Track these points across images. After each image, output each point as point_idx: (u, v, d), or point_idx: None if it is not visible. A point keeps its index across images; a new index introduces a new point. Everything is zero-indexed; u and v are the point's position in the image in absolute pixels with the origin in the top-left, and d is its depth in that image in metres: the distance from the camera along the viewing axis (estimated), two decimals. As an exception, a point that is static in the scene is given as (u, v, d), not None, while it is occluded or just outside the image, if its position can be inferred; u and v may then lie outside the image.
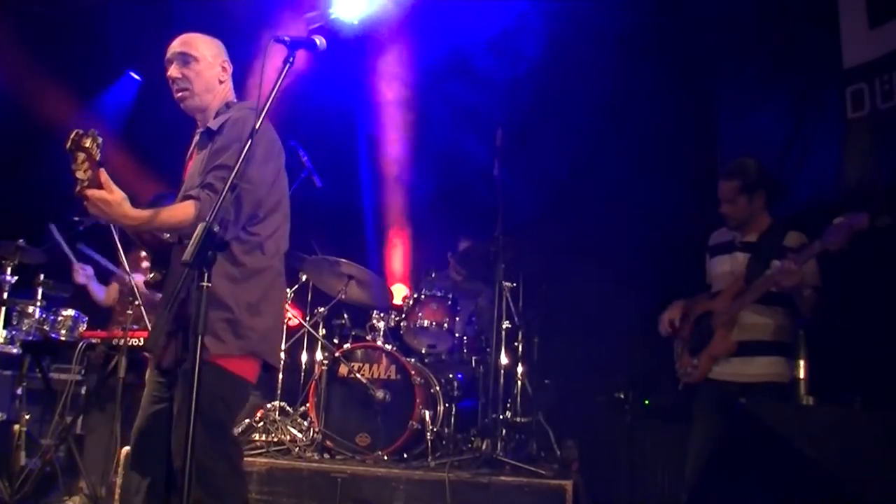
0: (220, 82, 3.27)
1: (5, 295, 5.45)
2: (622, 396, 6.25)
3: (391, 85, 7.48)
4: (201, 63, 3.21)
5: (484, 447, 5.13)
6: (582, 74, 6.77)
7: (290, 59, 2.83)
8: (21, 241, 5.63)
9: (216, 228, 2.58)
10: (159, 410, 3.09)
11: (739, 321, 4.20)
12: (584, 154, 6.88)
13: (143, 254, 5.42)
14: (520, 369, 5.91)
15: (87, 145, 2.78)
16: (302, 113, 7.03)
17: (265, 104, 2.77)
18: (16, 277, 5.52)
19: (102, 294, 6.48)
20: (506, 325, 5.62)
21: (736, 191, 4.27)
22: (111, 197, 2.82)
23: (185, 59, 3.20)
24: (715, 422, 4.13)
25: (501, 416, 5.45)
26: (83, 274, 6.25)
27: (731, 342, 4.19)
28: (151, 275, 3.28)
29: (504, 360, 5.51)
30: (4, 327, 5.42)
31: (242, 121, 3.09)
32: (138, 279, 5.15)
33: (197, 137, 3.32)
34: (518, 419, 5.75)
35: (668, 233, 6.21)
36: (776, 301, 4.11)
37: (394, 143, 7.55)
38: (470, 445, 5.48)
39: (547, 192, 7.00)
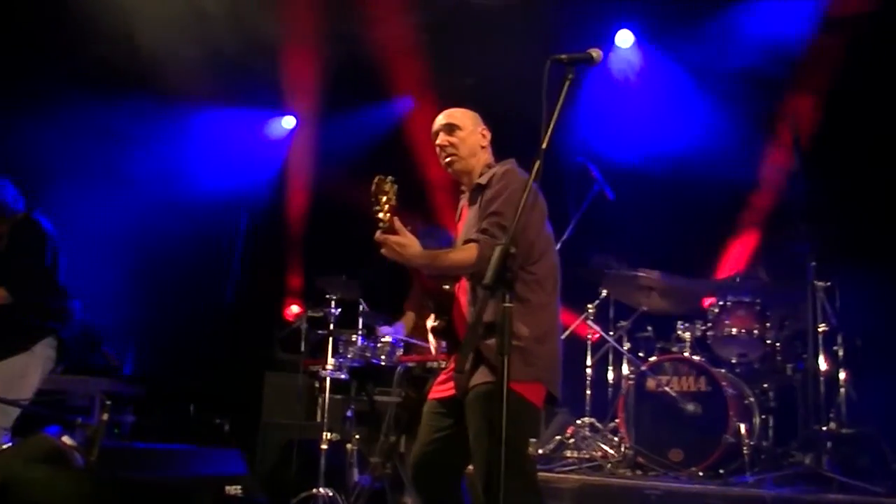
0: (482, 147, 3.55)
1: (331, 326, 5.90)
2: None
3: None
4: (465, 130, 3.51)
5: (807, 461, 4.82)
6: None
7: (570, 77, 2.86)
8: (343, 276, 6.09)
9: (513, 250, 2.66)
10: (437, 439, 3.34)
11: None
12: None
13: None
14: (842, 375, 5.47)
15: (387, 190, 3.06)
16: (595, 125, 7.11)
17: (550, 122, 2.81)
18: (339, 310, 5.97)
19: (402, 331, 6.72)
20: (822, 327, 5.24)
21: None
22: (406, 240, 3.13)
23: (451, 128, 3.51)
24: None
25: (825, 428, 5.07)
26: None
27: None
28: (436, 322, 3.50)
29: (823, 365, 5.13)
30: (333, 356, 5.87)
31: (509, 172, 3.36)
32: None
33: (464, 198, 3.60)
34: (844, 430, 5.31)
35: None
36: None
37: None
38: (791, 460, 5.17)
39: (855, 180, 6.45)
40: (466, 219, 3.51)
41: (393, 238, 3.11)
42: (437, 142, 3.54)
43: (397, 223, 3.12)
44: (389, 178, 3.08)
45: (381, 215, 3.08)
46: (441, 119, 3.57)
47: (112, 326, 7.76)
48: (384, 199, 3.07)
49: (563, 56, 2.90)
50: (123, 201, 7.93)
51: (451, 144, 3.50)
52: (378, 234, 3.13)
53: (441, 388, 3.39)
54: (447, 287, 3.50)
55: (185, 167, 8.56)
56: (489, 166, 3.51)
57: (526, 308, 3.20)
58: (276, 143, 9.43)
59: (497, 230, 3.16)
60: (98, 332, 7.61)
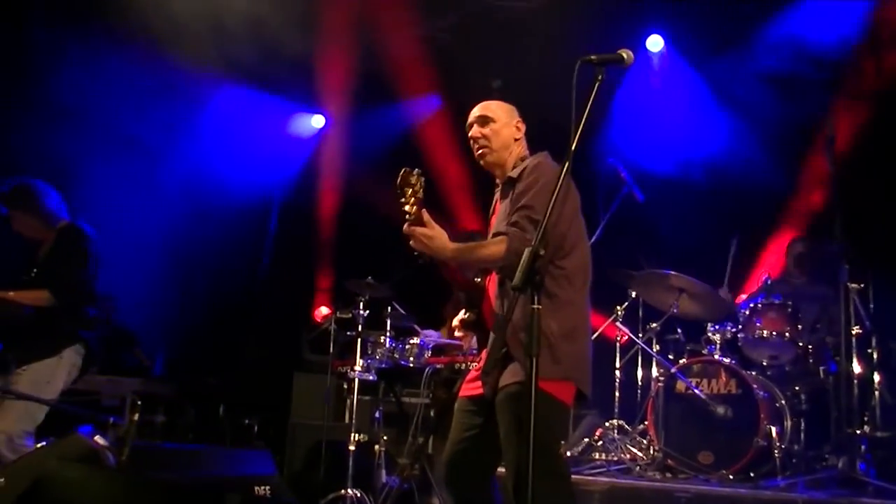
0: (515, 140, 3.51)
1: (360, 328, 5.91)
2: None
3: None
4: (498, 123, 3.48)
5: (840, 465, 4.75)
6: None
7: (600, 77, 2.84)
8: (369, 278, 6.09)
9: (542, 252, 2.65)
10: (468, 437, 3.32)
11: None
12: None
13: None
14: (876, 378, 5.40)
15: (413, 182, 3.05)
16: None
17: (579, 124, 2.81)
18: (367, 311, 5.98)
19: (438, 336, 6.76)
20: (856, 330, 5.17)
21: None
22: (433, 233, 3.12)
23: (484, 120, 3.49)
24: None
25: (858, 431, 5.00)
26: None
27: None
28: (466, 315, 3.49)
29: (857, 368, 5.07)
30: (361, 357, 5.88)
31: (541, 165, 3.33)
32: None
33: (498, 191, 3.57)
34: (878, 434, 5.24)
35: None
36: None
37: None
38: (824, 463, 5.11)
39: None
40: (498, 212, 3.49)
41: (420, 230, 3.10)
42: (470, 133, 3.52)
43: (425, 215, 3.10)
44: (416, 170, 3.07)
45: (407, 208, 3.07)
46: (475, 111, 3.55)
47: (143, 327, 7.83)
48: (410, 191, 3.05)
49: (594, 57, 2.87)
50: (154, 203, 8.00)
51: (484, 136, 3.47)
52: (405, 226, 3.12)
53: (472, 386, 3.37)
54: (478, 280, 3.49)
55: (214, 169, 8.62)
56: (522, 159, 3.48)
57: (554, 304, 3.17)
58: (305, 142, 9.46)
59: (527, 223, 3.14)
60: (129, 333, 7.69)
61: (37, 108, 7.10)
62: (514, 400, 3.09)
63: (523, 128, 3.54)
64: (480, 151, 3.49)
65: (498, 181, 3.57)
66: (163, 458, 4.83)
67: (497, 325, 3.30)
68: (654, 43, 7.70)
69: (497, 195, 3.59)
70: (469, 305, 3.49)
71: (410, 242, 3.15)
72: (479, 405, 3.31)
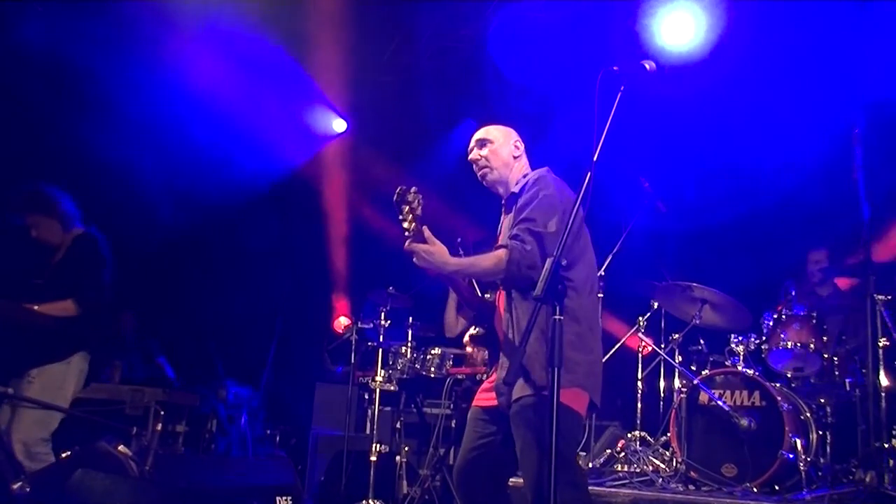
0: (515, 157, 3.61)
1: (381, 338, 5.92)
2: None
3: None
4: (496, 143, 3.60)
5: (868, 479, 4.68)
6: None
7: (622, 88, 2.86)
8: (391, 288, 6.10)
9: (564, 262, 2.65)
10: (481, 446, 3.35)
11: None
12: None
13: None
14: (905, 391, 5.33)
15: (411, 199, 3.11)
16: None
17: (602, 134, 2.82)
18: (388, 322, 5.99)
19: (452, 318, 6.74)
20: (883, 342, 5.11)
21: None
22: (434, 248, 3.17)
23: (482, 143, 3.61)
24: None
25: (886, 445, 4.94)
26: None
27: None
28: (476, 330, 3.53)
29: (884, 381, 5.00)
30: (382, 367, 5.89)
31: (542, 179, 3.40)
32: None
33: (503, 209, 3.63)
34: (907, 447, 5.17)
35: None
36: None
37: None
38: (851, 477, 5.05)
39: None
40: (502, 228, 3.56)
41: (420, 246, 3.16)
42: (470, 157, 3.63)
43: (426, 231, 3.16)
44: (413, 188, 3.13)
45: (405, 224, 3.13)
46: (473, 137, 3.66)
47: (166, 337, 7.87)
48: (407, 208, 3.12)
49: (615, 67, 2.90)
50: (178, 215, 8.04)
51: (483, 157, 3.58)
52: (406, 243, 3.17)
53: (485, 397, 3.41)
54: (488, 296, 3.53)
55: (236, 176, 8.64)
56: (525, 176, 3.56)
57: (564, 314, 3.18)
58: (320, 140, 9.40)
59: (527, 235, 3.21)
60: (153, 344, 7.74)
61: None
62: (529, 411, 3.09)
63: (522, 146, 3.64)
64: (482, 172, 3.60)
65: (503, 199, 3.64)
66: (185, 468, 4.85)
67: (506, 338, 3.31)
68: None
69: (503, 212, 3.66)
70: (478, 321, 3.53)
71: (413, 259, 3.20)
72: (491, 415, 3.34)
